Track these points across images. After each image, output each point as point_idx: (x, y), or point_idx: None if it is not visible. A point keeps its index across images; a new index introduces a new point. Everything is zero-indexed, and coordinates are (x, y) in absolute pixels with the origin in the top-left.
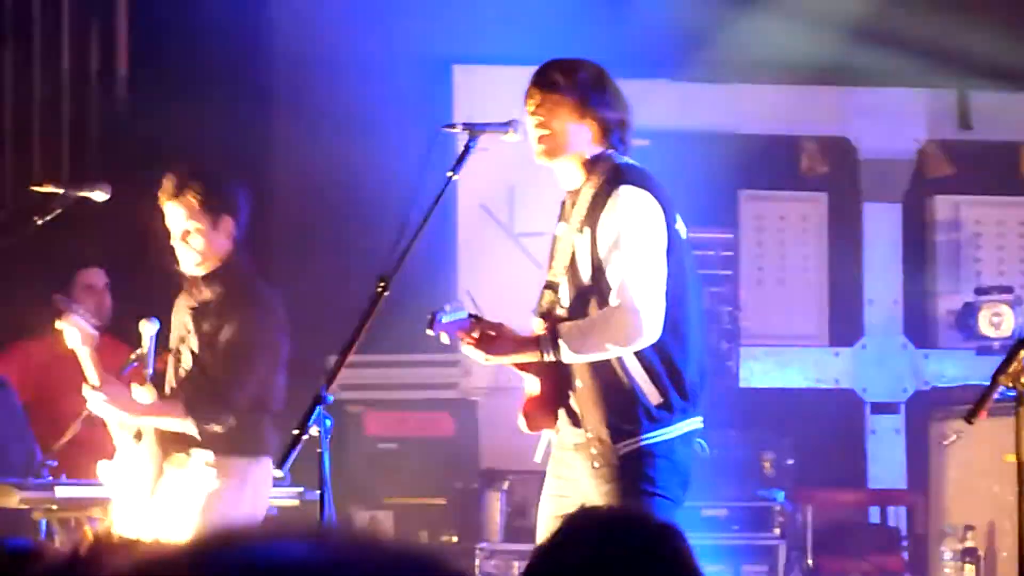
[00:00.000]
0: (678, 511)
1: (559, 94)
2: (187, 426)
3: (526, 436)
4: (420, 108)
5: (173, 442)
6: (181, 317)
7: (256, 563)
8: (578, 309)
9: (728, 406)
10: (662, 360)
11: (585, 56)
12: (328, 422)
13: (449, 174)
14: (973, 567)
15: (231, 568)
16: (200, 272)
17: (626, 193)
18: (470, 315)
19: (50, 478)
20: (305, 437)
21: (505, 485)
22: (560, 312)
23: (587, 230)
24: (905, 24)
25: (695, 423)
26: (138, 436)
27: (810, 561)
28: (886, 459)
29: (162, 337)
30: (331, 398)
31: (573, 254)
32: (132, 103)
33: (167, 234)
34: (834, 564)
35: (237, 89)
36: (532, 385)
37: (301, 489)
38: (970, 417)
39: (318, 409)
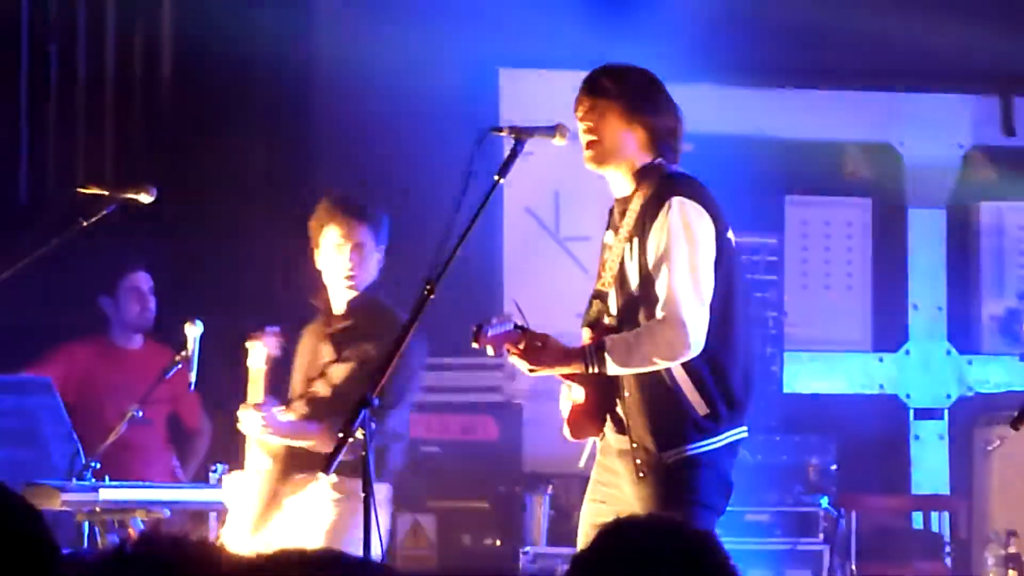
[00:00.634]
0: (719, 519)
1: (608, 100)
2: (324, 446)
3: (570, 440)
4: (466, 112)
5: (300, 464)
6: (315, 344)
7: None
8: (626, 319)
9: (772, 411)
10: (710, 370)
11: (630, 60)
12: (372, 425)
13: (495, 178)
14: (1016, 572)
15: None
16: (346, 295)
17: (676, 204)
18: (516, 326)
19: (93, 480)
20: (350, 440)
21: (549, 489)
22: (608, 322)
23: (636, 240)
24: (949, 30)
25: (740, 432)
26: (272, 456)
27: (853, 567)
28: (930, 465)
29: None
30: (376, 401)
31: (622, 264)
32: (176, 106)
33: (310, 260)
34: (877, 570)
35: (280, 92)
36: (578, 394)
37: None
38: (1015, 423)
39: (363, 412)
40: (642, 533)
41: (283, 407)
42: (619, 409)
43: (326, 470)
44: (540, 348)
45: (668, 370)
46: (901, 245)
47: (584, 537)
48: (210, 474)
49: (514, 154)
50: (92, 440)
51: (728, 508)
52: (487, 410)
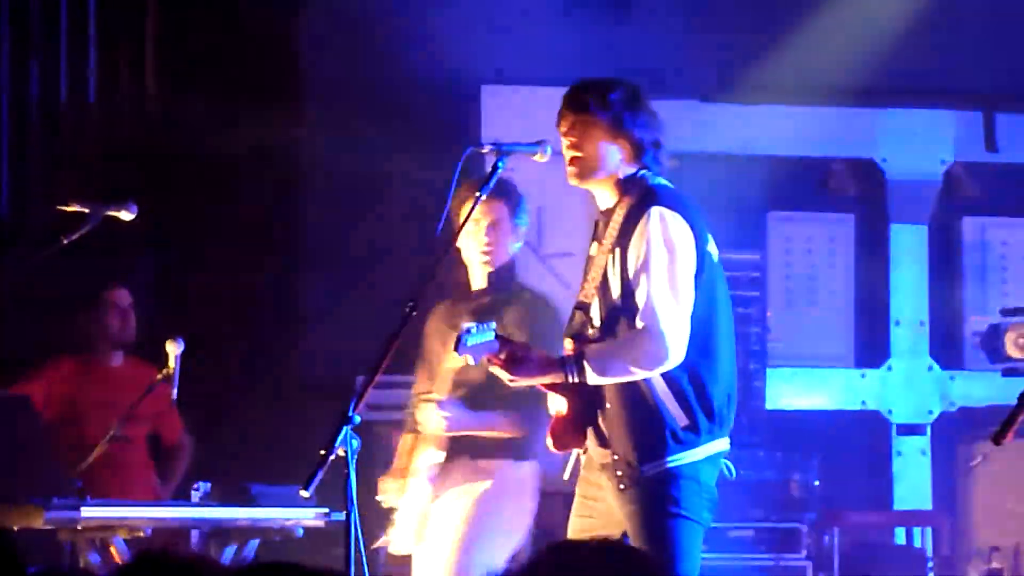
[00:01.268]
0: (704, 533)
1: (591, 115)
2: (512, 433)
3: (554, 456)
4: (449, 128)
5: (458, 450)
6: (451, 324)
7: None
8: (609, 330)
9: (755, 427)
10: (691, 381)
11: (613, 76)
12: (355, 443)
13: (477, 195)
14: None
15: None
16: (484, 270)
17: (656, 215)
18: (497, 336)
19: (75, 499)
20: (332, 458)
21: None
22: (591, 332)
23: (618, 251)
24: (932, 47)
25: (722, 445)
26: (440, 447)
27: None
28: (912, 481)
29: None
30: (358, 418)
31: (605, 274)
32: (161, 124)
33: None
34: None
35: (266, 109)
36: (560, 405)
37: (327, 510)
38: (997, 439)
39: (345, 429)
40: (581, 556)
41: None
42: (600, 422)
43: (305, 487)
44: (521, 358)
45: (648, 382)
46: (884, 261)
47: None
48: (192, 492)
49: (496, 171)
50: (74, 458)
51: (712, 524)
52: None
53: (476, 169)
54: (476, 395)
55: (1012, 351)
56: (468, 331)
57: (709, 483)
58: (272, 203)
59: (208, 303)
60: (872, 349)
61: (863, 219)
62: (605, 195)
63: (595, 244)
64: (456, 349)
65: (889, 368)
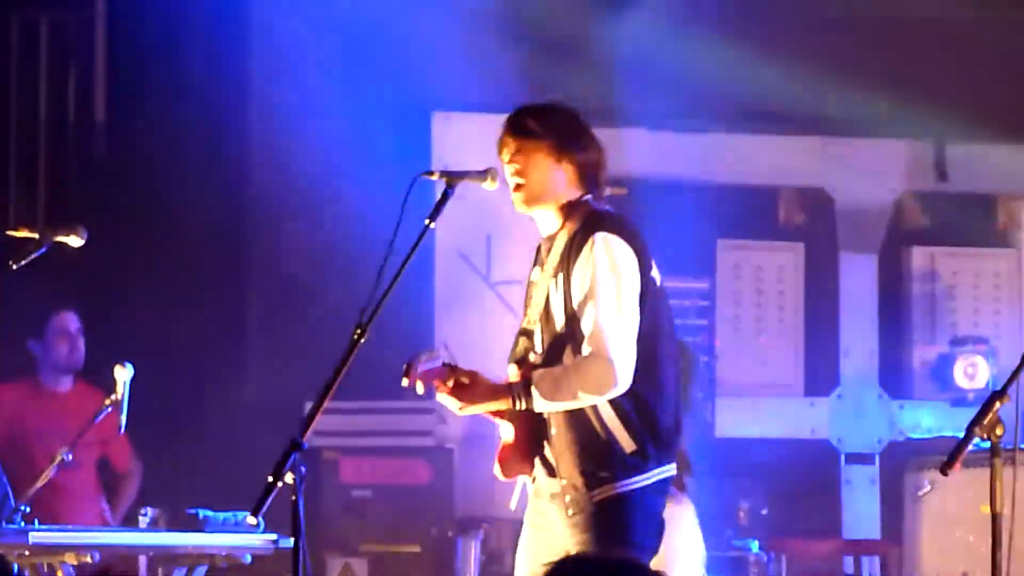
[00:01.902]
0: (652, 559)
1: (535, 140)
2: None
3: (501, 484)
4: (398, 155)
5: None
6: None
7: None
8: (552, 356)
9: (703, 455)
10: (637, 407)
11: (563, 104)
12: (303, 469)
13: (427, 222)
14: None
15: None
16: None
17: (601, 240)
18: (444, 364)
19: (23, 524)
20: (280, 484)
21: (480, 532)
22: (534, 359)
23: (561, 276)
24: (882, 76)
25: (669, 470)
26: None
27: None
28: (860, 509)
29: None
30: (306, 444)
31: (548, 301)
32: (109, 150)
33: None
34: None
35: (214, 137)
36: (507, 432)
37: (275, 536)
38: (945, 468)
39: (293, 456)
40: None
41: None
42: (548, 449)
43: (254, 513)
44: (468, 385)
45: (595, 408)
46: (833, 290)
47: None
48: (140, 517)
49: (445, 198)
50: (21, 483)
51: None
52: (419, 454)
53: (426, 196)
54: None
55: (960, 381)
56: (418, 360)
57: (656, 509)
58: (220, 228)
59: (157, 328)
60: (821, 378)
61: (812, 248)
62: (549, 219)
63: (537, 269)
64: (406, 376)
65: (839, 397)
